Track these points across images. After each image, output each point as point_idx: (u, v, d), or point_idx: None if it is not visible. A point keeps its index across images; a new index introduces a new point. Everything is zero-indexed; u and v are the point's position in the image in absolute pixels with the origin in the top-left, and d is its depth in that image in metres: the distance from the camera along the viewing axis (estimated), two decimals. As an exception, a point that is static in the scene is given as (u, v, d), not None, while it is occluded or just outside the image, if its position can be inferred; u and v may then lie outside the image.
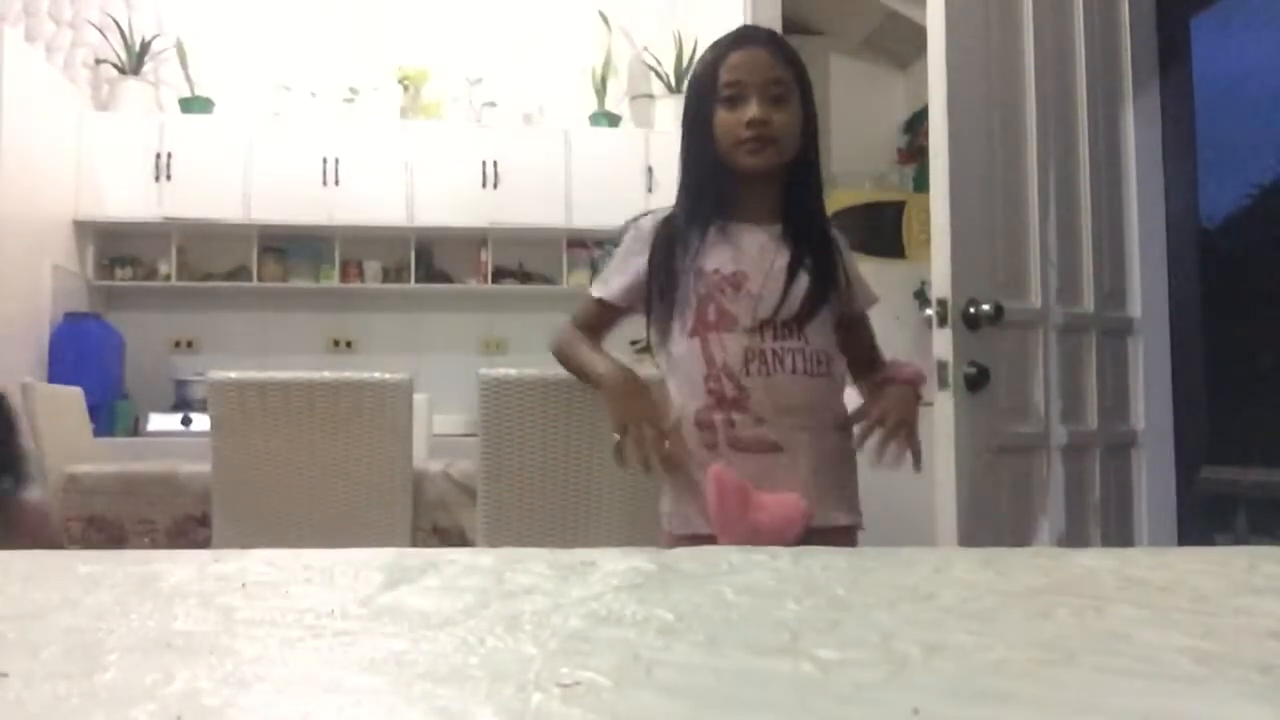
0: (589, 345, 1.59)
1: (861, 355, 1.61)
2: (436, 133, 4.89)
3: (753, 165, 1.47)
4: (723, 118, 1.47)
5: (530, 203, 4.83)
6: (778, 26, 4.37)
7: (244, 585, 0.57)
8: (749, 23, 4.32)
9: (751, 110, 1.45)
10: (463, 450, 2.75)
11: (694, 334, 1.47)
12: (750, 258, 1.47)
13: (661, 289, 1.50)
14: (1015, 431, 2.23)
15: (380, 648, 0.43)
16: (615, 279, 1.57)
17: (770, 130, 1.45)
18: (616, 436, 1.44)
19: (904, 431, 1.47)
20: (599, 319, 1.60)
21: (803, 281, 1.46)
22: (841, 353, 1.55)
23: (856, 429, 1.52)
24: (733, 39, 1.53)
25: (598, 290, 1.59)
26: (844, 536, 1.47)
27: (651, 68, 5.16)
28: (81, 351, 4.36)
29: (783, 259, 1.47)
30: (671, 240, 1.51)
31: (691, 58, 4.93)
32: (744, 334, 1.44)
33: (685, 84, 1.57)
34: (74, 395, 3.13)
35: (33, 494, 1.89)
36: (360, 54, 5.03)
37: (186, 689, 0.37)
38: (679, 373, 1.50)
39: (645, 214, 1.60)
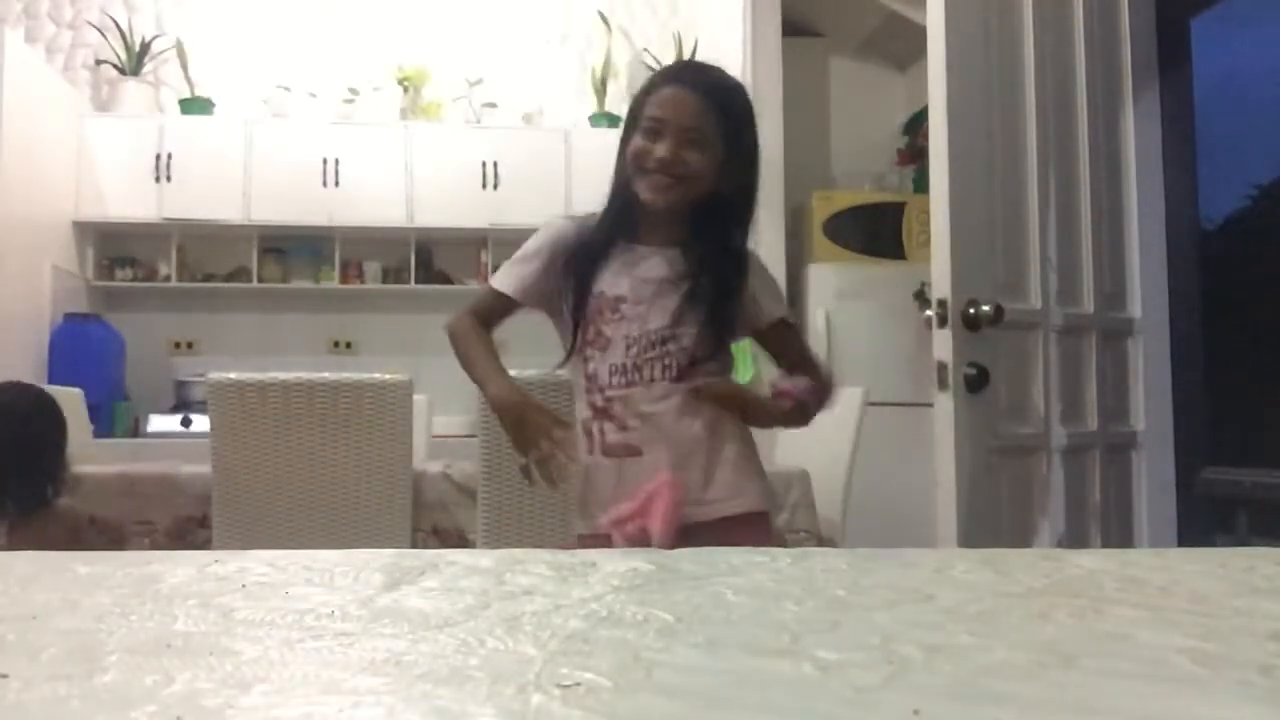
0: (486, 351, 1.58)
1: (792, 360, 1.62)
2: (436, 133, 4.89)
3: (652, 201, 1.50)
4: (636, 144, 1.51)
5: (530, 204, 4.81)
6: (777, 27, 4.37)
7: (244, 586, 0.57)
8: (749, 24, 4.31)
9: (663, 149, 1.47)
10: (463, 451, 2.75)
11: (579, 350, 1.54)
12: (635, 282, 1.51)
13: (570, 302, 1.54)
14: (1015, 433, 2.23)
15: (380, 649, 0.43)
16: (516, 274, 1.59)
17: (679, 170, 1.48)
18: (521, 460, 1.49)
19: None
20: (496, 312, 1.61)
21: (673, 300, 1.49)
22: (773, 359, 1.62)
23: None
24: (666, 75, 1.57)
25: (498, 283, 1.60)
26: (747, 524, 1.49)
27: (651, 68, 5.13)
28: (81, 352, 4.36)
29: (663, 281, 1.51)
30: (583, 257, 1.55)
31: (692, 58, 4.93)
32: (614, 352, 1.50)
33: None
34: (74, 396, 3.12)
35: (64, 501, 1.97)
36: (360, 55, 5.02)
37: (186, 690, 0.37)
38: (575, 384, 1.58)
39: (567, 217, 1.63)
